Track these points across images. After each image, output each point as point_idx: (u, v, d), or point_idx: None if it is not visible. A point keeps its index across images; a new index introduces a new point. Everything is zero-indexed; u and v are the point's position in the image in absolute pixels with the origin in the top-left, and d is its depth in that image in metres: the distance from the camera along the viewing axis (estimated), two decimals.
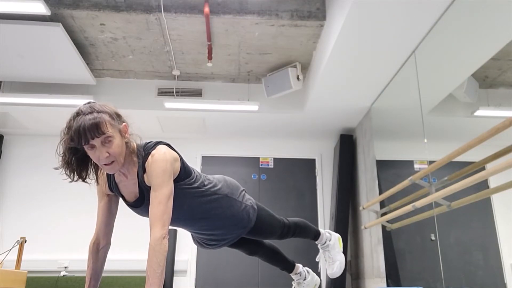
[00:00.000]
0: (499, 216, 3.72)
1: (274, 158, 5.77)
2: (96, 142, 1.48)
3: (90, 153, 1.51)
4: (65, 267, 4.98)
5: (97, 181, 1.68)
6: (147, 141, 1.67)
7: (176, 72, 4.80)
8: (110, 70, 4.82)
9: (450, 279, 3.29)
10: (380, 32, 3.38)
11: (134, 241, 4.78)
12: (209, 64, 4.52)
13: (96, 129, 1.47)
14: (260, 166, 5.73)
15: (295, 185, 5.68)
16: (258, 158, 5.76)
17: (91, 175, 1.64)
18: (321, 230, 2.44)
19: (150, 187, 1.59)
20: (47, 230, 5.21)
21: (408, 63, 3.79)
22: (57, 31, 3.74)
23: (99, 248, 1.71)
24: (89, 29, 4.00)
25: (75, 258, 5.00)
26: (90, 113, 1.49)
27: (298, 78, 4.58)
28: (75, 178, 1.58)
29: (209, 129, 5.50)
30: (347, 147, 5.33)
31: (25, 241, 4.26)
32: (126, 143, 1.58)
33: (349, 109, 4.89)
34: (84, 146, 1.49)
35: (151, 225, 1.50)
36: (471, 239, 3.99)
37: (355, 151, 5.33)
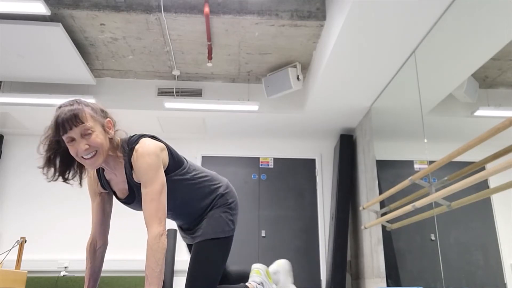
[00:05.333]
0: (499, 216, 3.72)
1: (274, 158, 5.78)
2: (75, 133, 1.44)
3: (70, 147, 1.46)
4: (65, 267, 4.98)
5: (80, 182, 1.61)
6: (131, 135, 1.62)
7: (176, 72, 4.80)
8: (110, 70, 4.82)
9: (450, 279, 3.29)
10: (380, 32, 3.38)
11: (134, 241, 4.77)
12: (209, 64, 4.53)
13: (74, 119, 1.43)
14: (260, 166, 5.73)
15: (295, 185, 5.68)
16: (258, 158, 5.76)
17: (76, 177, 1.58)
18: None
19: (139, 184, 1.55)
20: (47, 230, 5.21)
21: (408, 63, 3.79)
22: (57, 31, 3.74)
23: (96, 248, 1.71)
24: (89, 29, 4.00)
25: (75, 258, 5.00)
26: (71, 105, 1.47)
27: (298, 78, 4.58)
28: (55, 177, 1.53)
29: (209, 129, 5.50)
30: (347, 147, 5.33)
31: (25, 241, 4.26)
32: (110, 139, 1.53)
33: (349, 109, 4.90)
34: (64, 139, 1.45)
35: (147, 223, 1.46)
36: (471, 239, 3.99)
37: (355, 151, 5.33)
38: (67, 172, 1.56)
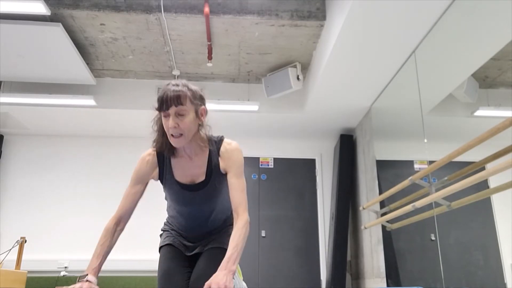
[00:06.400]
0: (499, 216, 3.72)
1: (274, 158, 5.78)
2: (172, 111, 1.58)
3: (164, 122, 1.61)
4: (65, 267, 4.98)
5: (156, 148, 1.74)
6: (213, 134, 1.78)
7: (176, 72, 4.80)
8: (110, 70, 4.82)
9: (450, 279, 3.29)
10: (380, 32, 3.38)
11: (135, 241, 4.78)
12: (209, 64, 4.53)
13: (175, 99, 1.58)
14: (260, 166, 5.73)
15: (295, 185, 5.68)
16: (258, 158, 5.76)
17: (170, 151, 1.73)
18: None
19: (222, 173, 1.72)
20: (47, 230, 5.21)
21: (408, 63, 3.79)
22: (57, 31, 3.74)
23: (117, 229, 1.69)
24: (89, 29, 4.00)
25: (75, 258, 5.00)
26: (177, 85, 1.62)
27: (298, 78, 4.58)
28: (156, 149, 1.73)
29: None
30: (347, 147, 5.33)
31: (25, 241, 4.26)
32: (199, 125, 1.68)
33: (349, 109, 4.90)
34: (162, 114, 1.60)
35: (238, 207, 1.63)
36: (471, 239, 3.99)
37: (355, 151, 5.33)
38: (164, 146, 1.71)
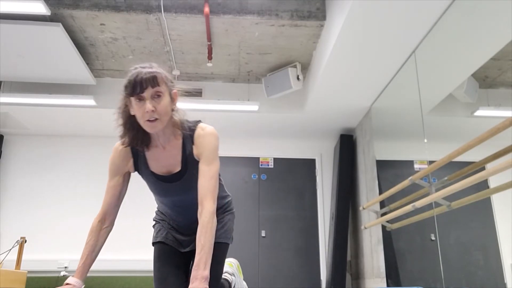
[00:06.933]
0: (499, 216, 3.72)
1: (274, 158, 5.78)
2: (147, 93, 1.47)
3: (137, 107, 1.49)
4: (65, 267, 4.98)
5: (147, 148, 1.64)
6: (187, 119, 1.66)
7: (176, 72, 4.80)
8: (110, 70, 4.82)
9: (450, 279, 3.29)
10: (380, 32, 3.38)
11: (134, 241, 4.78)
12: (209, 64, 4.53)
13: (152, 80, 1.48)
14: (260, 166, 5.73)
15: (295, 185, 5.68)
16: (258, 158, 5.76)
17: (143, 144, 1.62)
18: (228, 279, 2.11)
19: (197, 160, 1.59)
20: (47, 230, 5.21)
21: (408, 63, 3.79)
22: (57, 31, 3.74)
23: (103, 227, 1.64)
24: (89, 29, 4.00)
25: (75, 258, 4.98)
26: (150, 67, 1.52)
27: (298, 78, 4.58)
28: (126, 145, 1.62)
29: None
30: (347, 147, 5.33)
31: (25, 241, 4.26)
32: (172, 110, 1.57)
33: (349, 109, 4.90)
34: (133, 99, 1.49)
35: (203, 197, 1.50)
36: (471, 239, 3.99)
37: (355, 151, 5.33)
38: (136, 140, 1.60)
